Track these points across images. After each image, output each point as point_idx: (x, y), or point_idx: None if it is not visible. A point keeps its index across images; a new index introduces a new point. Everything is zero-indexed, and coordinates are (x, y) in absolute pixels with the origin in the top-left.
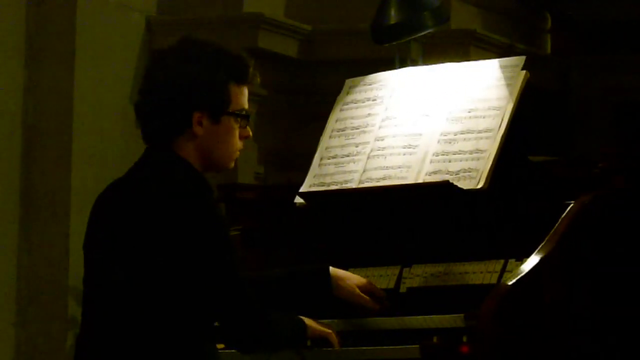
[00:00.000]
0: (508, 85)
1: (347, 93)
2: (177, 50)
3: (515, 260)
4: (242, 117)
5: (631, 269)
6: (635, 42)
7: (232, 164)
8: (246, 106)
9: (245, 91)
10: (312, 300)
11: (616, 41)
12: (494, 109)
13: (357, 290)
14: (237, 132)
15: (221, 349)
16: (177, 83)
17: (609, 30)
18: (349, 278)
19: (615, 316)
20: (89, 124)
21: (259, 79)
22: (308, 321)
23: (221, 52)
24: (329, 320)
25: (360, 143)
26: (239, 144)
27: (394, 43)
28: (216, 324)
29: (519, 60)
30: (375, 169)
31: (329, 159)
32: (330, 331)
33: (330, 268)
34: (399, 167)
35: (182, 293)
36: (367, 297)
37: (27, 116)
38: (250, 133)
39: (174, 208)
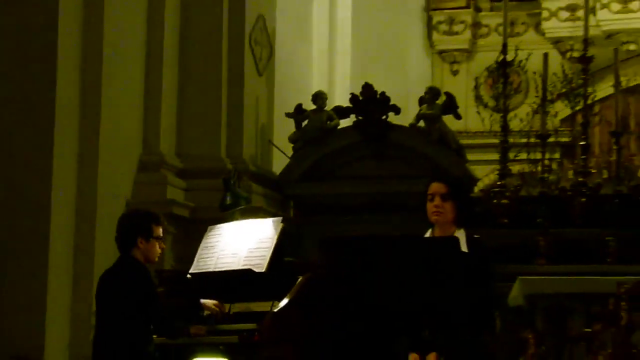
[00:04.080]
0: (275, 228)
1: (208, 232)
2: (128, 212)
3: (278, 301)
4: (159, 240)
5: (330, 305)
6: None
7: (157, 259)
8: (161, 235)
9: (161, 229)
10: (192, 313)
11: (325, 213)
12: (269, 239)
13: (213, 305)
14: (157, 246)
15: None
16: (129, 226)
17: (321, 208)
18: (208, 301)
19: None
20: None
21: (166, 224)
22: (191, 326)
23: (149, 212)
24: (202, 326)
25: (213, 253)
26: (158, 251)
27: (228, 212)
28: (152, 327)
29: (280, 219)
30: (221, 263)
31: (200, 259)
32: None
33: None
34: (230, 263)
35: (139, 318)
36: (215, 307)
37: None
38: (164, 246)
39: (132, 282)
